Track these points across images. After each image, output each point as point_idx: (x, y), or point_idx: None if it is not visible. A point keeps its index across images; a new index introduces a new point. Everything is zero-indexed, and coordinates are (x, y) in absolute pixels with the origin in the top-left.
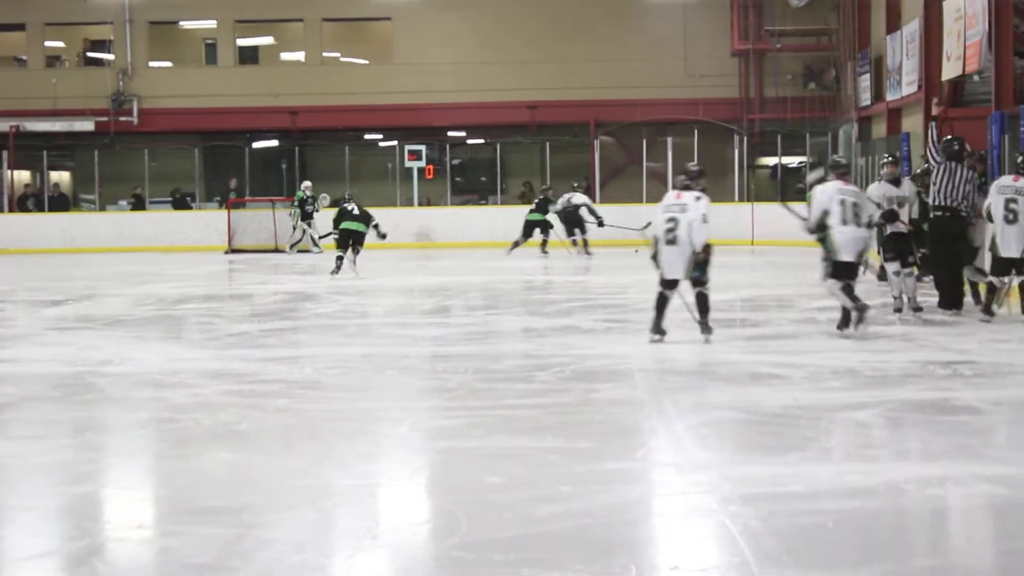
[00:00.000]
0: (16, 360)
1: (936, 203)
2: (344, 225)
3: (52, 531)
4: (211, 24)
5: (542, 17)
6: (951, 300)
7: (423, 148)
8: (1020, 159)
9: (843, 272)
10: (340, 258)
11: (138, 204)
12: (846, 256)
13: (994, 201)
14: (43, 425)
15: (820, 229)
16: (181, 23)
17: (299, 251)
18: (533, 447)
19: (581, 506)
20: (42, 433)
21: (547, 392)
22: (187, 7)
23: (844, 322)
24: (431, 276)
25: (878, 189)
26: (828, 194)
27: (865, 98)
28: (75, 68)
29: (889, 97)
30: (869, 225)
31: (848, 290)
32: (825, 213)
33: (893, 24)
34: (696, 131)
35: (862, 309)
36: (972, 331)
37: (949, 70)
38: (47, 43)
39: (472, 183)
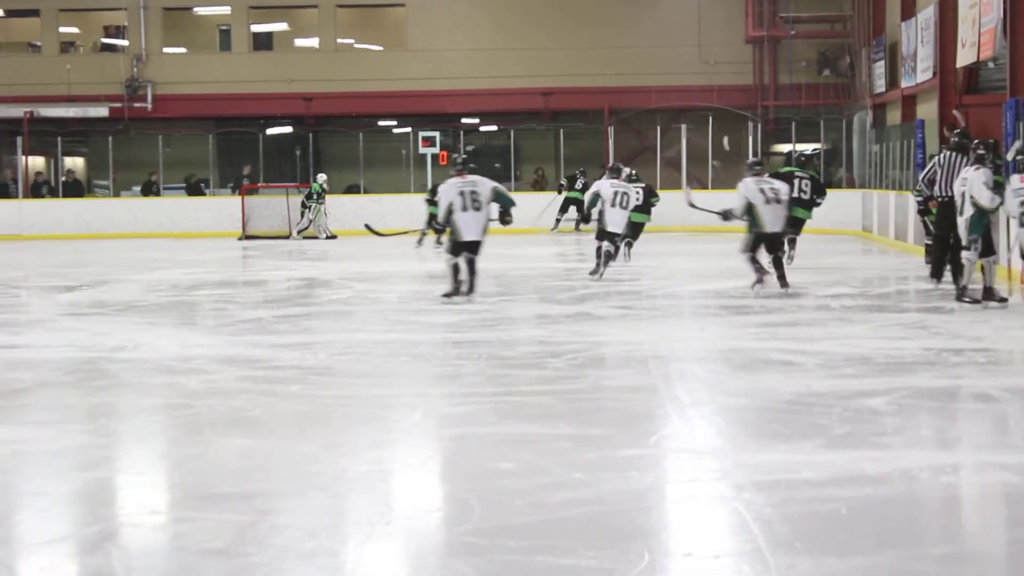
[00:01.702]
0: (30, 346)
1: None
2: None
3: (66, 516)
4: (225, 10)
5: (556, 3)
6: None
7: (437, 135)
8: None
9: (462, 249)
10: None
11: (147, 190)
12: (468, 236)
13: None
14: (57, 411)
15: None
16: (195, 9)
17: (305, 237)
18: (546, 434)
19: (594, 493)
20: (56, 419)
21: (560, 379)
22: None
23: (452, 292)
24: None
25: (986, 176)
26: (448, 190)
27: (880, 85)
28: (89, 54)
29: (904, 84)
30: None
31: (457, 269)
32: (451, 204)
33: (908, 11)
34: (710, 118)
35: (458, 286)
36: (985, 318)
37: (964, 57)
38: (61, 29)
39: (485, 170)
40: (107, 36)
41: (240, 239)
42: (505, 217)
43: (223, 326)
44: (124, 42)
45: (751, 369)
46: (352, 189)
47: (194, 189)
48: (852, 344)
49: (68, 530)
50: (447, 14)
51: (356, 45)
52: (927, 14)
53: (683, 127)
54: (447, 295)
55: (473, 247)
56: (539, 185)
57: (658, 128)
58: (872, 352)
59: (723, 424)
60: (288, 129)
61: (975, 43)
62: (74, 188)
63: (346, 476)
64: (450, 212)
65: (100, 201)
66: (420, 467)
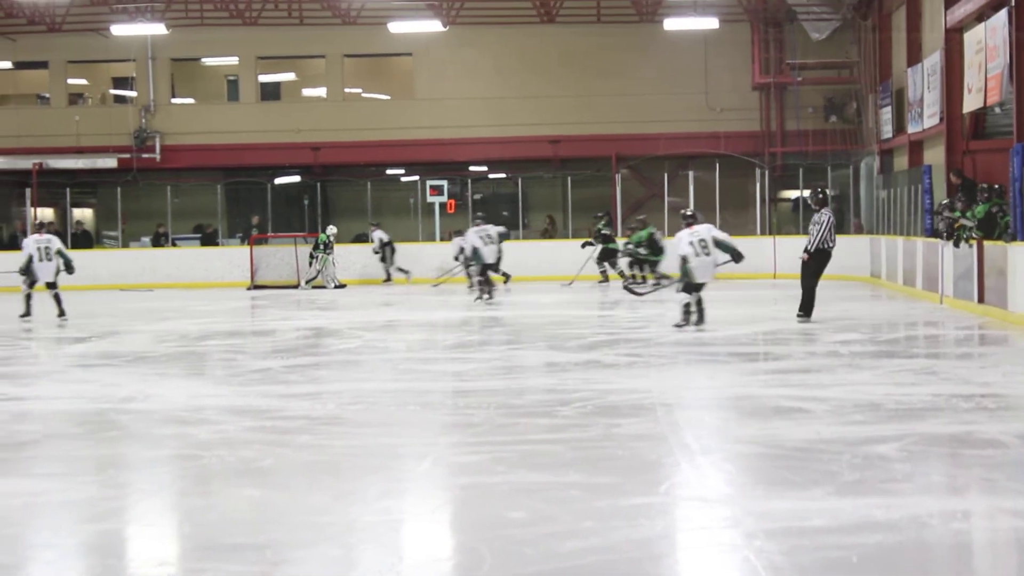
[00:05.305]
0: (40, 397)
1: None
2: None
3: (76, 569)
4: (233, 61)
5: (563, 52)
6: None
7: (445, 183)
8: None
9: (38, 284)
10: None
11: (156, 241)
12: (43, 279)
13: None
14: (66, 462)
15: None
16: (203, 60)
17: (314, 287)
18: (556, 482)
19: (604, 541)
20: (65, 470)
21: (569, 427)
22: (209, 44)
23: (26, 314)
24: (453, 311)
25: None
26: (29, 243)
27: (887, 131)
28: (98, 105)
29: (911, 129)
30: None
31: (29, 297)
32: (31, 256)
33: (914, 57)
34: (717, 164)
35: (29, 310)
36: (995, 364)
37: (970, 102)
38: (70, 80)
39: (494, 218)
40: (115, 87)
41: (249, 289)
42: (68, 271)
43: (232, 376)
44: (132, 93)
45: (760, 416)
46: (361, 238)
47: (209, 239)
48: (862, 390)
49: None
50: (454, 63)
51: (364, 94)
52: (933, 60)
53: (690, 174)
54: (22, 316)
55: (50, 285)
56: (548, 234)
57: (665, 175)
58: (882, 398)
59: (733, 472)
60: (296, 178)
61: (982, 88)
62: (83, 239)
63: (356, 526)
64: (30, 261)
65: (109, 252)
66: (430, 516)
